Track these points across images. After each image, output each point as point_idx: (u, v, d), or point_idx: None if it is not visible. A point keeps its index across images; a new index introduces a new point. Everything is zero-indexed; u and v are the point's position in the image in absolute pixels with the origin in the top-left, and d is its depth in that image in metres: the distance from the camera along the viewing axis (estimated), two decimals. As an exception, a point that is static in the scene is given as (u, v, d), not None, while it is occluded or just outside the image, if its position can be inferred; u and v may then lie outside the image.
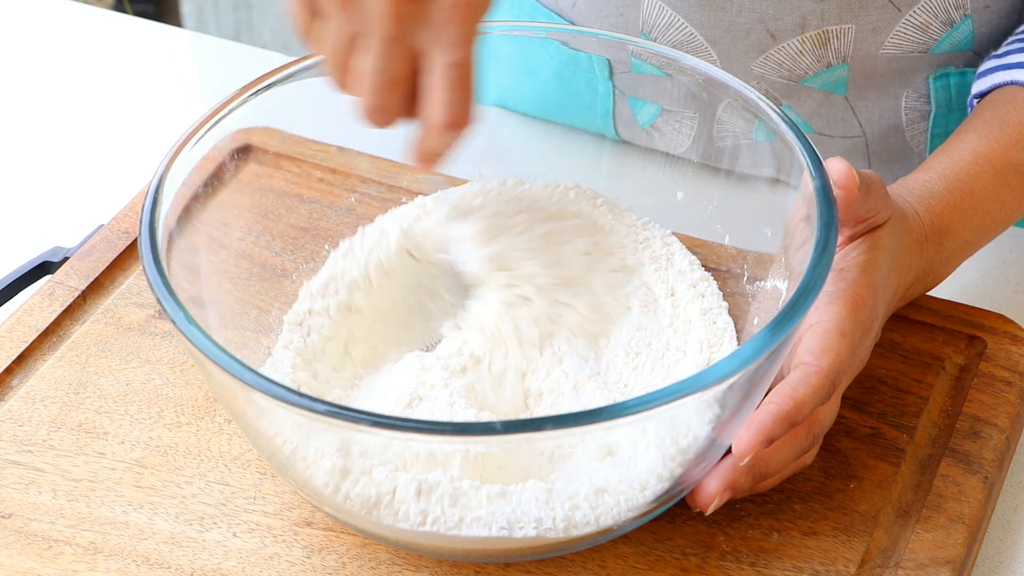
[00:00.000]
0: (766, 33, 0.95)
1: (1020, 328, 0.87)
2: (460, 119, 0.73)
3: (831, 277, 0.78)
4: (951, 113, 0.99)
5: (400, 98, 0.73)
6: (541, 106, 1.04)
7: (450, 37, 0.71)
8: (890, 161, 1.01)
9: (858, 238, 0.80)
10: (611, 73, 0.98)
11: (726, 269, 0.87)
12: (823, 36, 0.95)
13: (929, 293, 0.90)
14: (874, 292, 0.79)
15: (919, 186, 0.86)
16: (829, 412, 0.78)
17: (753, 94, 0.82)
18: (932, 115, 0.99)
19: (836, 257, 0.78)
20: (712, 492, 0.75)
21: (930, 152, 1.00)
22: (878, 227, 0.80)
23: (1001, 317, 0.88)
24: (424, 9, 0.71)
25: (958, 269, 0.96)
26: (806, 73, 0.97)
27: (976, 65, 0.97)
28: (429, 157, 0.75)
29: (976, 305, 0.90)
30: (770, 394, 0.75)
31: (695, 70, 0.85)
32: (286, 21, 2.52)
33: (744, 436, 0.74)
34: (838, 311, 0.77)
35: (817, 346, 0.76)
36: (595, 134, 1.03)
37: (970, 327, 0.87)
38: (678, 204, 0.90)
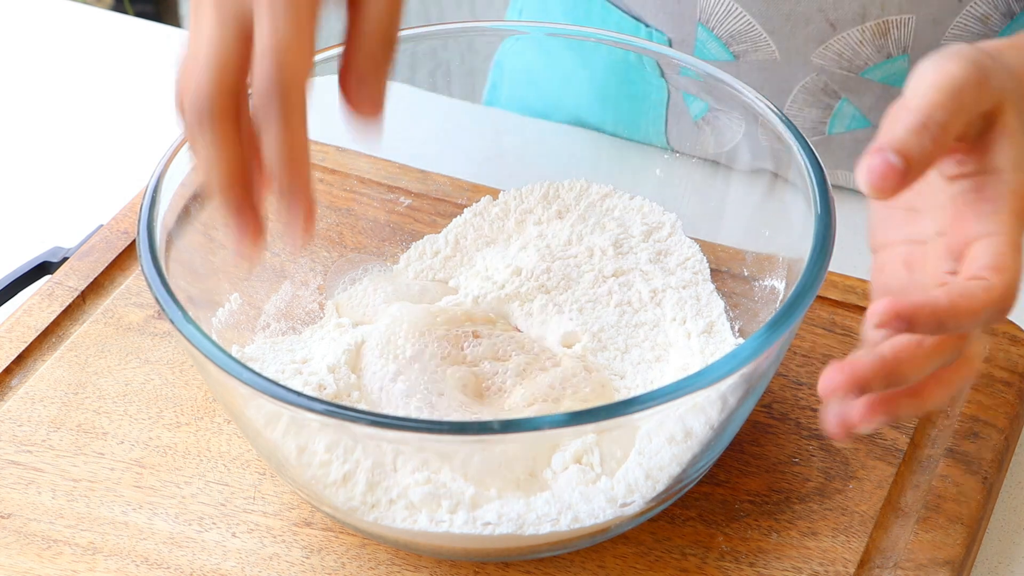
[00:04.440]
0: (826, 22, 0.95)
1: (1019, 329, 0.87)
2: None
3: (990, 182, 0.69)
4: None
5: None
6: (592, 104, 0.99)
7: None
8: None
9: (979, 137, 0.70)
10: (662, 72, 0.97)
11: (725, 269, 0.87)
12: (883, 26, 0.94)
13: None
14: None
15: (1015, 47, 0.75)
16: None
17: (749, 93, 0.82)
18: None
19: (976, 160, 0.70)
20: (834, 383, 0.66)
21: None
22: (995, 111, 0.70)
23: (1000, 317, 0.88)
24: None
25: (958, 269, 0.96)
26: (866, 64, 0.96)
27: None
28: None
29: (975, 306, 0.90)
30: (938, 289, 0.66)
31: (729, 86, 0.84)
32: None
33: (883, 304, 0.65)
34: (1007, 221, 0.68)
35: (992, 261, 0.67)
36: (598, 133, 1.02)
37: (969, 327, 0.87)
38: (676, 203, 0.90)
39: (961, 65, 0.69)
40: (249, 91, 0.64)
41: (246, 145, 0.64)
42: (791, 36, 0.96)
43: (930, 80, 0.68)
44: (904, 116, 0.67)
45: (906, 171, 0.66)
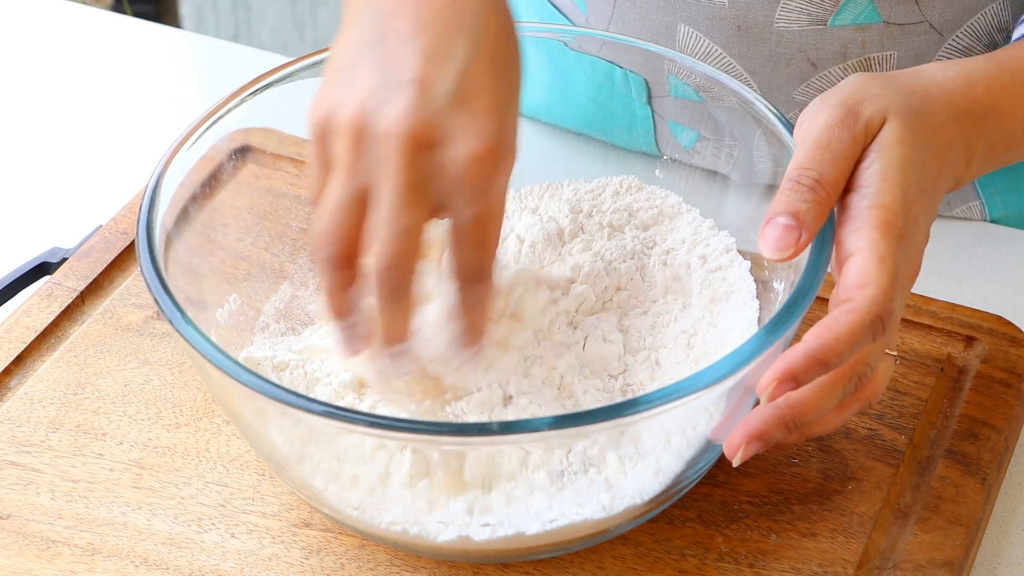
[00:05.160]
0: (807, 62, 0.94)
1: (1019, 330, 0.87)
2: (477, 273, 0.72)
3: (853, 200, 0.73)
4: None
5: (415, 250, 0.70)
6: (577, 123, 0.99)
7: (468, 192, 0.68)
8: None
9: (862, 152, 0.74)
10: (649, 98, 0.96)
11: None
12: (865, 63, 0.93)
13: (928, 295, 0.90)
14: (904, 193, 0.72)
15: (955, 66, 0.78)
16: (878, 348, 0.71)
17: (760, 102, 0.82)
18: None
19: (851, 180, 0.73)
20: (735, 443, 0.70)
21: (982, 186, 0.99)
22: (879, 128, 0.74)
23: (1000, 319, 0.88)
24: (439, 159, 0.68)
25: (957, 270, 0.96)
26: None
27: None
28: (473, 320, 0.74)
29: (975, 307, 0.90)
30: (806, 333, 0.70)
31: (730, 89, 0.83)
32: (284, 23, 2.50)
33: (766, 373, 0.69)
34: (869, 235, 0.71)
35: (854, 280, 0.70)
36: (599, 140, 1.02)
37: (969, 329, 0.87)
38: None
39: (827, 113, 0.73)
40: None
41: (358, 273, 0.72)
42: (772, 76, 0.95)
43: (800, 137, 0.74)
44: (783, 181, 0.72)
45: (799, 226, 0.71)
